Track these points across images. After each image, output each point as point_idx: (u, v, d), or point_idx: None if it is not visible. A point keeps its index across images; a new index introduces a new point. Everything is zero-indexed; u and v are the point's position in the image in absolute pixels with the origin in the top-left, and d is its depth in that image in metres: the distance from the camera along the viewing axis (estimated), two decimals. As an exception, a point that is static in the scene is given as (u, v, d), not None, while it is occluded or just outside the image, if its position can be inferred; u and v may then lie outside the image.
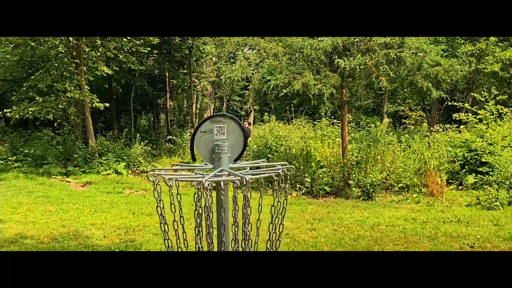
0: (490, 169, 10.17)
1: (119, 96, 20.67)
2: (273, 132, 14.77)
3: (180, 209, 2.32)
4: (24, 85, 14.79)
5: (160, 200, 2.15)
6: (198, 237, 2.25)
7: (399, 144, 12.62)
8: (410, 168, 11.03)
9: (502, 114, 12.31)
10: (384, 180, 10.88)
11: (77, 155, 14.65)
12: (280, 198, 2.33)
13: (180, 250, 2.23)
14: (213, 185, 2.18)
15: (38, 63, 15.40)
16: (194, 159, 2.31)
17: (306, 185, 11.07)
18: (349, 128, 14.66)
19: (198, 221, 2.20)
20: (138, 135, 16.89)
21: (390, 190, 10.84)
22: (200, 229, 2.20)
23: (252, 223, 2.39)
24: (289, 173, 2.19)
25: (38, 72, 14.72)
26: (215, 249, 2.23)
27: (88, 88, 14.89)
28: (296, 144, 13.58)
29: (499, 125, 11.69)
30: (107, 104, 15.33)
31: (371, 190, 10.42)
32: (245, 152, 9.73)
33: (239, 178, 2.02)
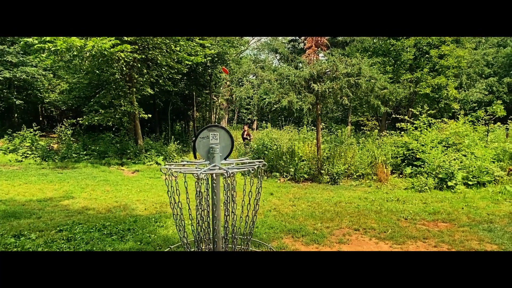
0: (422, 163, 10.11)
1: (160, 109, 20.64)
2: (269, 135, 14.73)
3: (186, 192, 2.31)
4: (91, 100, 14.83)
5: (171, 186, 2.14)
6: (198, 212, 2.24)
7: (358, 144, 12.57)
8: (364, 161, 10.97)
9: (431, 124, 12.22)
10: (346, 170, 10.83)
11: (129, 151, 14.66)
12: (258, 184, 2.32)
13: (184, 223, 2.22)
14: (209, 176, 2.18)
15: (102, 85, 15.40)
16: (195, 157, 2.31)
17: (290, 174, 11.03)
18: (323, 133, 14.60)
19: (198, 200, 2.19)
20: (173, 137, 16.90)
21: (350, 177, 10.79)
22: (199, 206, 2.20)
23: (237, 202, 2.36)
24: (263, 167, 2.18)
25: (102, 92, 14.72)
26: (210, 222, 2.22)
27: (137, 103, 14.91)
28: (285, 144, 13.52)
29: (429, 132, 11.60)
30: (150, 115, 15.33)
31: (337, 177, 10.38)
32: (247, 149, 9.60)
33: (225, 171, 2.02)
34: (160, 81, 16.05)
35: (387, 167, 10.36)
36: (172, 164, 2.25)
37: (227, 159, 2.35)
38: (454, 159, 9.52)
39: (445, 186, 8.87)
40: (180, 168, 2.19)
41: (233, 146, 2.30)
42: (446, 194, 8.43)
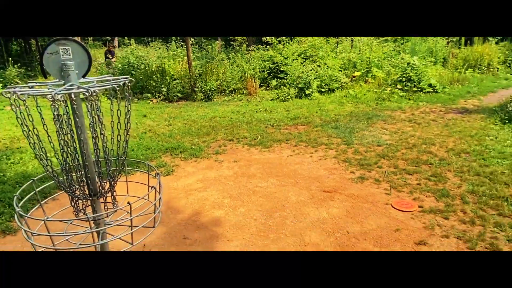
0: (285, 75, 11.06)
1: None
2: (134, 53, 13.46)
3: (42, 118, 2.06)
4: None
5: (20, 112, 1.86)
6: (61, 138, 2.05)
7: (228, 60, 12.74)
8: (235, 77, 11.36)
9: (293, 38, 13.12)
10: (219, 86, 11.08)
11: (-51, 80, 11.52)
12: (126, 102, 2.21)
13: (45, 150, 2.00)
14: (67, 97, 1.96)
15: None
16: (45, 77, 2.01)
17: (163, 94, 10.68)
18: (193, 49, 14.14)
19: (58, 125, 1.99)
20: (10, 59, 13.82)
21: (223, 93, 11.13)
22: (61, 131, 2.00)
23: (105, 124, 2.24)
24: (130, 84, 2.07)
25: None
26: (78, 148, 2.06)
27: None
28: (154, 63, 12.68)
29: (290, 45, 12.50)
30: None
31: (210, 94, 10.57)
32: (110, 70, 8.68)
33: (86, 90, 1.85)
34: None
35: (255, 81, 11.00)
36: (16, 87, 1.93)
37: (86, 77, 2.12)
38: (311, 70, 10.71)
39: (303, 94, 10.07)
40: (28, 91, 1.90)
41: (91, 62, 2.08)
42: (304, 101, 9.63)
